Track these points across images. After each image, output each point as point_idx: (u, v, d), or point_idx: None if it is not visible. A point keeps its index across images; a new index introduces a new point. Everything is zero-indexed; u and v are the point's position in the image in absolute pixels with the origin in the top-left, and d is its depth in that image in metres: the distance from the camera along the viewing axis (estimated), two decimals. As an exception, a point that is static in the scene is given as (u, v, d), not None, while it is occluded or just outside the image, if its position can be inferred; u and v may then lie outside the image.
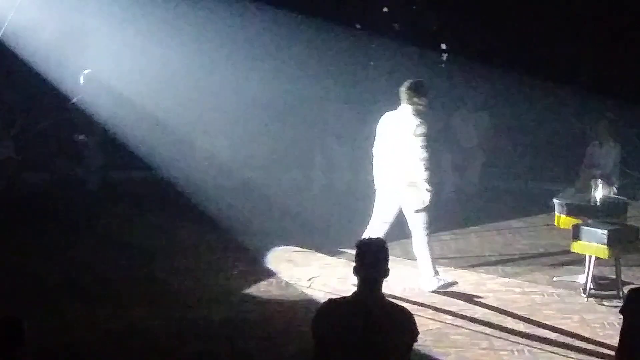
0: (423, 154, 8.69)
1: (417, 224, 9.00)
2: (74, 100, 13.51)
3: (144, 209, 12.61)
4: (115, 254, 10.20)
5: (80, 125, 13.46)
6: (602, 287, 9.14)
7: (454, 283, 9.10)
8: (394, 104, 8.99)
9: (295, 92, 14.45)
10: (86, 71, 13.52)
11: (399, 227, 11.08)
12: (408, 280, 9.22)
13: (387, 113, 9.00)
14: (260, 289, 9.05)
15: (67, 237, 10.87)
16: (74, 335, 7.65)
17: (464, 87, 15.00)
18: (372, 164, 9.24)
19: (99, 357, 7.37)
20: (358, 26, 16.26)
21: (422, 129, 8.71)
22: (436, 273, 9.05)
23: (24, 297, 8.33)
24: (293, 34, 14.57)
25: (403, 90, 8.86)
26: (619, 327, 5.56)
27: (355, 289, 5.04)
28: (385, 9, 16.22)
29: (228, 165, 14.21)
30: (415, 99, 8.82)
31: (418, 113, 8.80)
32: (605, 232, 8.68)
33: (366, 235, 8.62)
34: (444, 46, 16.48)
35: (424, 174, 8.73)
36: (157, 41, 13.96)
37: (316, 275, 9.56)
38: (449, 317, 8.32)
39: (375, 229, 8.99)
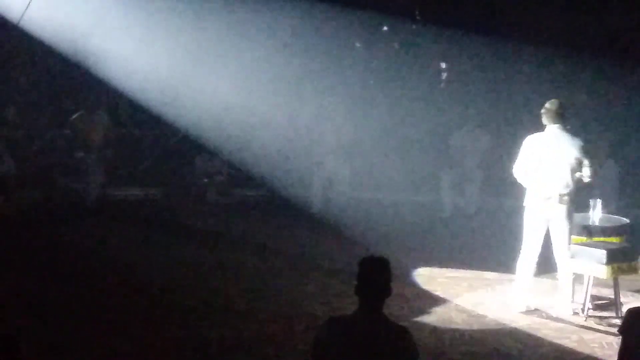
0: (591, 170, 8.85)
1: (566, 241, 9.01)
2: (74, 116, 13.56)
3: (142, 226, 12.61)
4: (114, 272, 10.19)
5: (79, 142, 13.51)
6: (601, 307, 9.14)
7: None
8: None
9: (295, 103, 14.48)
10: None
11: (399, 245, 11.14)
12: (407, 298, 9.22)
13: (534, 135, 9.07)
14: (258, 307, 9.03)
15: (65, 254, 10.86)
16: (71, 353, 7.63)
17: (464, 106, 15.03)
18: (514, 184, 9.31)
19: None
20: (357, 45, 16.32)
21: (587, 147, 8.96)
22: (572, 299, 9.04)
23: (20, 315, 8.31)
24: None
25: (551, 110, 8.94)
26: (617, 347, 5.56)
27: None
28: (384, 27, 16.27)
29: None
30: (561, 118, 8.97)
31: (567, 131, 8.97)
32: (604, 252, 8.69)
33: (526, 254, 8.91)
34: (443, 65, 16.51)
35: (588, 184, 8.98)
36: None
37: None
38: (447, 336, 8.30)
39: (532, 249, 9.04)
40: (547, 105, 9.01)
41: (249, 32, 14.54)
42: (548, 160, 8.89)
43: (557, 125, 8.92)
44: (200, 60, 14.09)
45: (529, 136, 9.09)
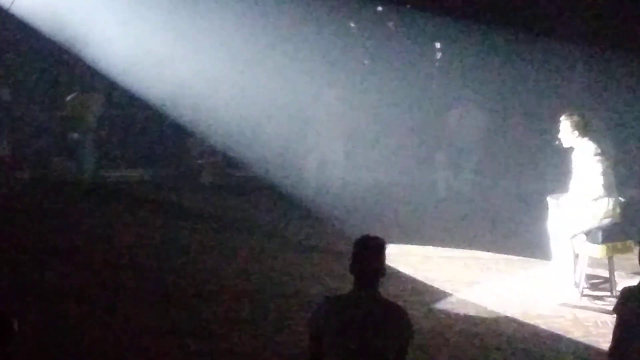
0: None
1: None
2: (69, 98, 13.54)
3: (137, 207, 12.59)
4: (108, 252, 10.19)
5: (74, 124, 13.48)
6: (596, 286, 9.16)
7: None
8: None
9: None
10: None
11: (399, 228, 11.16)
12: (402, 278, 9.25)
13: None
14: (253, 287, 9.04)
15: (60, 235, 10.85)
16: (68, 334, 7.63)
17: (460, 84, 15.01)
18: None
19: (94, 356, 7.36)
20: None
21: None
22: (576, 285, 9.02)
23: (17, 296, 8.30)
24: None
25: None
26: (612, 326, 5.58)
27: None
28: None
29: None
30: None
31: None
32: (600, 231, 8.70)
33: None
34: (438, 45, 16.47)
35: None
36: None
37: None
38: (443, 315, 8.32)
39: None
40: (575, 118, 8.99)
41: (240, 12, 14.46)
42: None
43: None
44: (192, 42, 14.01)
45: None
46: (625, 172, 13.16)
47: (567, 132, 8.93)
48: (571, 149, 9.02)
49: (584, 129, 8.90)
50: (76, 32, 13.47)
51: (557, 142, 9.10)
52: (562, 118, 8.99)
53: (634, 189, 12.43)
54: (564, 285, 8.97)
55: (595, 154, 8.76)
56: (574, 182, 8.93)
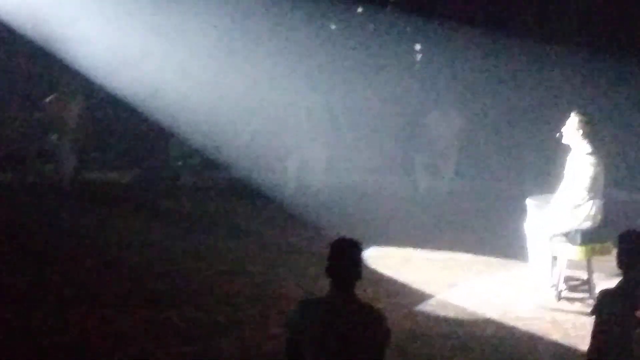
0: None
1: None
2: (48, 100, 13.48)
3: (116, 209, 12.55)
4: (88, 255, 10.14)
5: (53, 126, 13.42)
6: (574, 288, 9.19)
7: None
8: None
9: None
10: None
11: (378, 230, 11.17)
12: (381, 280, 9.25)
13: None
14: (233, 290, 9.02)
15: (39, 237, 10.80)
16: (46, 337, 7.59)
17: (438, 87, 15.05)
18: None
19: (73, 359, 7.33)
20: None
21: None
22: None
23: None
24: None
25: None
26: (590, 328, 5.59)
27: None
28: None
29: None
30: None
31: None
32: (579, 233, 8.73)
33: None
34: (418, 46, 16.51)
35: None
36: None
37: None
38: (421, 318, 8.33)
39: None
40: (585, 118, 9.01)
41: (221, 14, 14.45)
42: None
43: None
44: (172, 43, 13.99)
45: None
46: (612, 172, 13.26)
47: (571, 128, 8.95)
48: (567, 149, 9.05)
49: (589, 132, 8.93)
50: (55, 32, 13.42)
51: (558, 135, 9.10)
52: (573, 114, 9.02)
53: (618, 191, 12.47)
54: (542, 287, 9.03)
55: (590, 156, 8.80)
56: (564, 183, 8.96)
